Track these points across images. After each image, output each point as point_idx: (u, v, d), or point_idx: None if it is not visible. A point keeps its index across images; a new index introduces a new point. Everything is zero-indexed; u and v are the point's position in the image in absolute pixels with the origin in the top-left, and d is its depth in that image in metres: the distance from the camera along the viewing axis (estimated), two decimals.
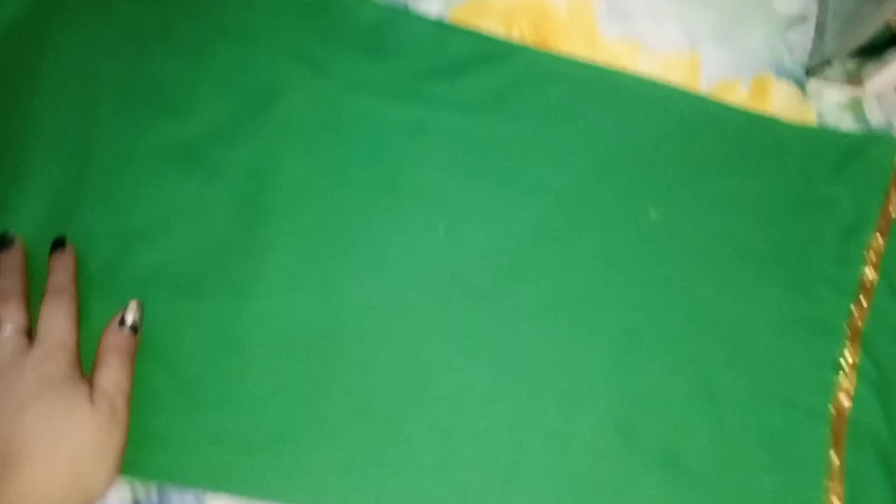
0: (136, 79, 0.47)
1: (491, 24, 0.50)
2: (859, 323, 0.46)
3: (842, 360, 0.45)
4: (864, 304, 0.46)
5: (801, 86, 0.50)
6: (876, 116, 0.49)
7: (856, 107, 0.50)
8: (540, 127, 0.48)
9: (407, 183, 0.46)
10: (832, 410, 0.44)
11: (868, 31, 0.45)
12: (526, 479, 0.43)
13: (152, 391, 0.42)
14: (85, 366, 0.41)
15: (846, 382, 0.45)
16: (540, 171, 0.47)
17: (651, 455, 0.43)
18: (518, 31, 0.50)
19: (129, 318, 0.42)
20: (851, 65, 0.47)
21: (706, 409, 0.44)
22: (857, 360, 0.45)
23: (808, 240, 0.47)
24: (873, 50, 0.46)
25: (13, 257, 0.42)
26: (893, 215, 0.47)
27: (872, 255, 0.47)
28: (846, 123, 0.49)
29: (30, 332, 0.40)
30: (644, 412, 0.44)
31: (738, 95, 0.49)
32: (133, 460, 0.40)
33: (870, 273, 0.46)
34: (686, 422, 0.44)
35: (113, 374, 0.40)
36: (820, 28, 0.50)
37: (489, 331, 0.45)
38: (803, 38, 0.50)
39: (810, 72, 0.49)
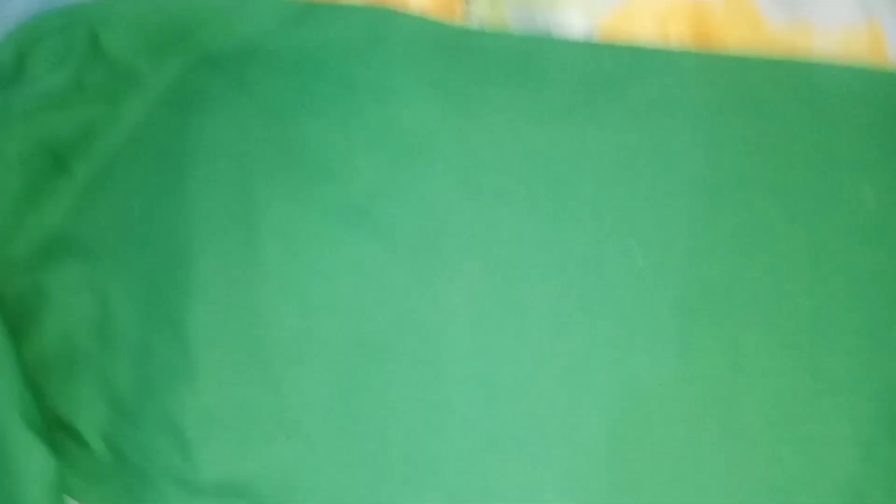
0: (287, 150, 0.44)
1: (645, 29, 0.47)
2: None
3: None
4: None
5: None
6: None
7: None
8: (716, 126, 0.44)
9: (585, 206, 0.43)
10: None
11: None
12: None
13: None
14: None
15: None
16: (722, 170, 0.43)
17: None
18: (675, 33, 0.47)
19: None
20: None
21: None
22: None
23: None
24: None
25: None
26: None
27: None
28: None
29: None
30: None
31: None
32: None
33: None
34: None
35: None
36: None
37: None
38: None
39: None
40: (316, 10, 0.46)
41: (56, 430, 0.42)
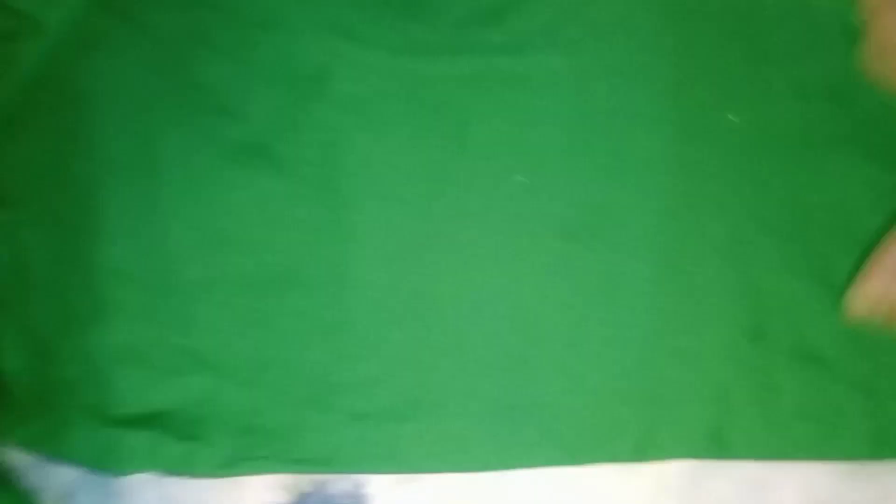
0: (185, 88, 0.46)
1: None
2: None
3: None
4: None
5: None
6: None
7: None
8: (600, 53, 0.46)
9: (476, 136, 0.46)
10: None
11: None
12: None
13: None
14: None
15: None
16: (607, 98, 0.46)
17: (784, 355, 0.43)
18: None
19: None
20: None
21: (831, 297, 0.44)
22: None
23: (891, 113, 0.46)
24: None
25: None
26: None
27: None
28: None
29: None
30: (771, 313, 0.44)
31: None
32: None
33: None
34: (816, 316, 0.44)
35: None
36: None
37: (591, 271, 0.45)
38: None
39: None
40: None
41: None
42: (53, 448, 0.44)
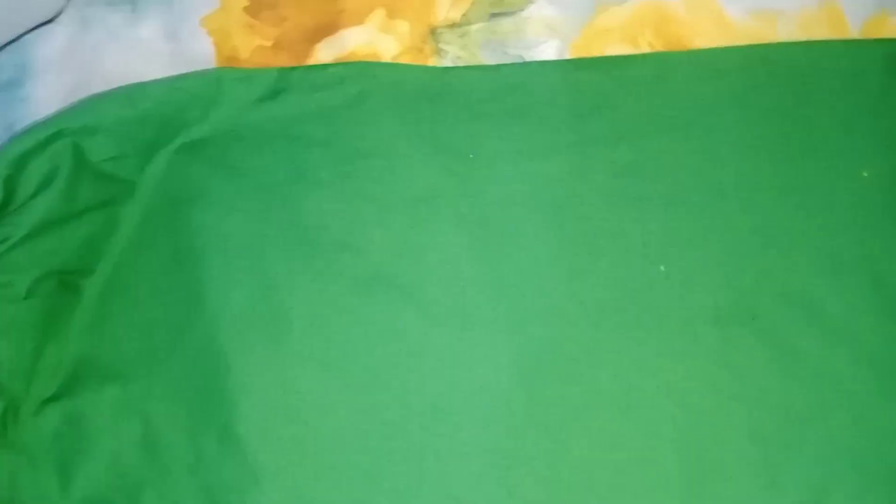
0: (295, 229, 0.44)
1: (616, 45, 0.47)
2: None
3: None
4: None
5: None
6: None
7: None
8: (717, 133, 0.45)
9: (593, 227, 0.44)
10: None
11: None
12: None
13: None
14: None
15: None
16: (734, 174, 0.45)
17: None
18: (645, 42, 0.47)
19: None
20: None
21: None
22: None
23: None
24: None
25: None
26: None
27: None
28: None
29: None
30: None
31: (891, 27, 0.47)
32: None
33: None
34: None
35: None
36: None
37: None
38: None
39: None
40: (290, 77, 0.46)
41: None
42: None
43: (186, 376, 0.42)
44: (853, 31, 0.47)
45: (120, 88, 0.45)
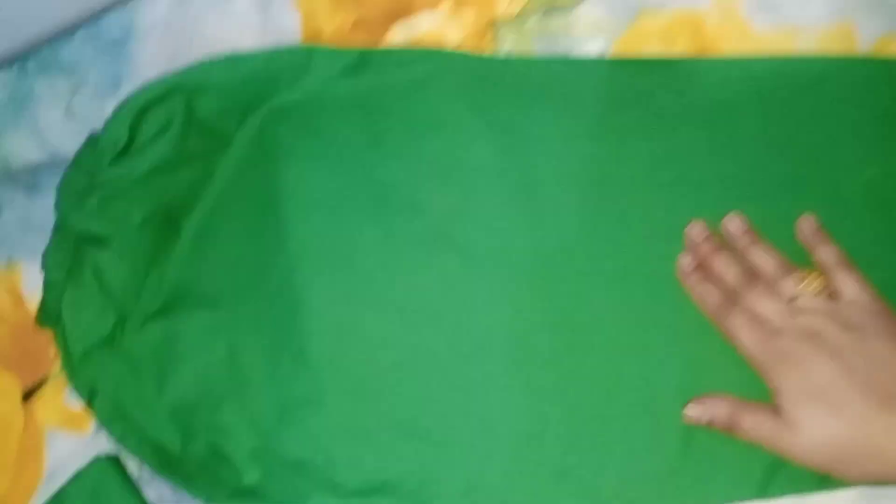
0: (367, 188, 0.51)
1: (653, 46, 0.54)
2: None
3: None
4: None
5: None
6: None
7: None
8: (737, 130, 0.52)
9: (624, 209, 0.51)
10: None
11: None
12: None
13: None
14: None
15: None
16: (750, 170, 0.51)
17: None
18: (680, 46, 0.54)
19: None
20: None
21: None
22: None
23: None
24: None
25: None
26: None
27: None
28: None
29: None
30: None
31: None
32: None
33: None
34: None
35: None
36: None
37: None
38: None
39: None
40: (371, 56, 0.53)
41: (208, 459, 0.48)
42: None
43: (267, 307, 0.49)
44: (862, 49, 0.53)
45: (227, 55, 0.52)
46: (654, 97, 0.52)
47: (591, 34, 0.54)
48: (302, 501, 0.48)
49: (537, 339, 0.49)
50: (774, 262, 0.48)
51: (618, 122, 0.52)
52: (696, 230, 0.50)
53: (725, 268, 0.48)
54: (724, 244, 0.49)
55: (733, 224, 0.50)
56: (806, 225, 0.49)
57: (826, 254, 0.48)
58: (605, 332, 0.49)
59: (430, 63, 0.53)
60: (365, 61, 0.52)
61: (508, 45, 0.54)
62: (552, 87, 0.53)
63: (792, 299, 0.46)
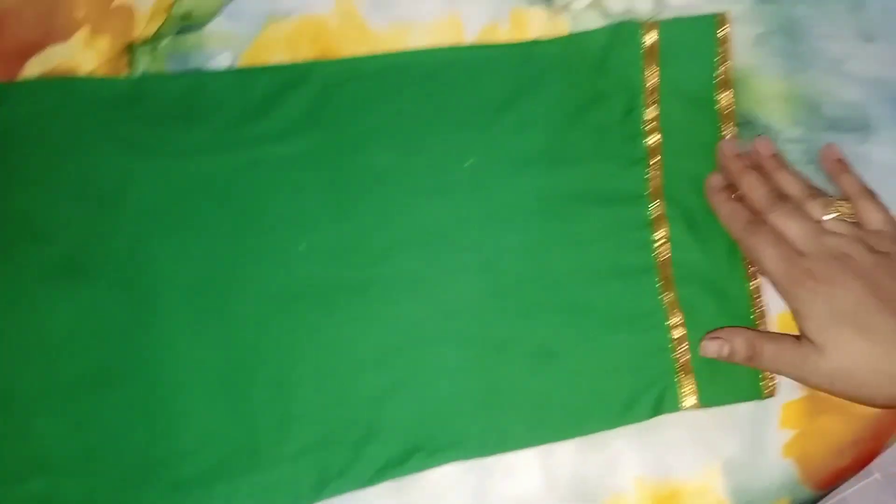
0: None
1: (279, 55, 0.57)
2: (658, 181, 0.53)
3: (651, 215, 0.52)
4: (657, 164, 0.53)
5: (549, 4, 0.57)
6: (615, 6, 0.57)
7: (597, 5, 0.57)
8: (359, 127, 0.55)
9: (261, 214, 0.54)
10: (657, 260, 0.52)
11: None
12: None
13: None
14: None
15: (660, 232, 0.52)
16: (372, 164, 0.55)
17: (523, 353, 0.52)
18: (304, 52, 0.57)
19: None
20: None
21: (555, 298, 0.52)
22: (663, 211, 0.52)
23: (597, 135, 0.54)
24: None
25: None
26: (652, 85, 0.54)
27: (650, 124, 0.54)
28: (595, 22, 0.57)
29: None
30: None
31: (501, 35, 0.57)
32: None
33: (652, 139, 0.54)
34: (550, 316, 0.52)
35: None
36: None
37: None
38: None
39: None
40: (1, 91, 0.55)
41: None
42: None
43: None
44: (469, 39, 0.57)
45: None
46: (280, 102, 0.55)
47: (220, 48, 0.57)
48: None
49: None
50: (801, 186, 0.49)
51: (244, 132, 0.55)
52: (727, 146, 0.51)
53: (755, 187, 0.48)
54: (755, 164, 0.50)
55: (762, 145, 0.51)
56: (828, 153, 0.51)
57: (849, 183, 0.49)
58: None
59: (59, 90, 0.55)
60: None
61: (143, 66, 0.57)
62: (182, 104, 0.56)
63: (819, 221, 0.46)
